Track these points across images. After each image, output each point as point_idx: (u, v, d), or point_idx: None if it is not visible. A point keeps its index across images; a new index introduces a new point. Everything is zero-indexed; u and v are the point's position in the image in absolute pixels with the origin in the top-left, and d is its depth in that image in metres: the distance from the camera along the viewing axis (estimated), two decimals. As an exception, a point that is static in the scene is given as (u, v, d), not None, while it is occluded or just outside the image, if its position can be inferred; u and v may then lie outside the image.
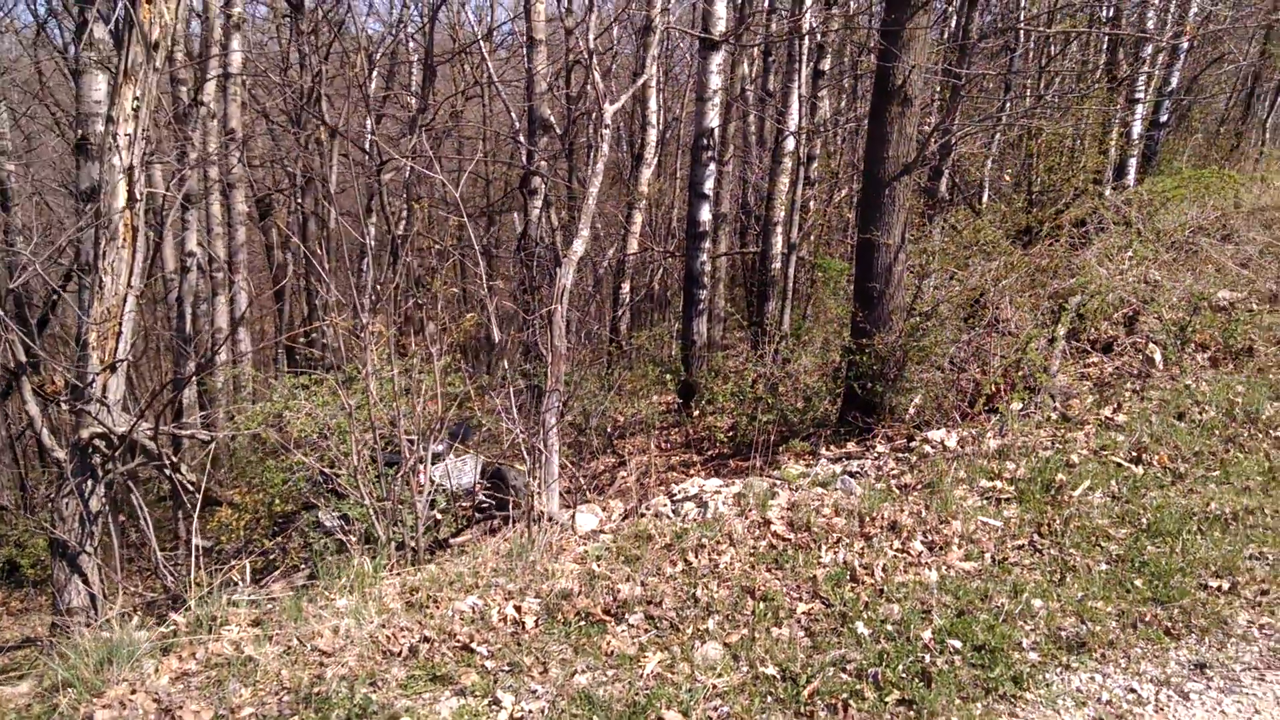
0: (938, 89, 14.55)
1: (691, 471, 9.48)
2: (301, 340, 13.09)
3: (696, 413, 12.05)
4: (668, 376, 12.90)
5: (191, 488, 7.71)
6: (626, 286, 16.15)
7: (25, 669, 8.28)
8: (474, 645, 4.01)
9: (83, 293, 9.16)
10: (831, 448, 7.37)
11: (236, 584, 5.54)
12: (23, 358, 7.03)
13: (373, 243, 17.18)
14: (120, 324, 7.04)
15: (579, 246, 6.44)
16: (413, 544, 5.70)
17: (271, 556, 7.44)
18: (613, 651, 3.93)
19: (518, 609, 4.27)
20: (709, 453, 10.49)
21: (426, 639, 4.05)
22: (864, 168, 8.95)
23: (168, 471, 7.35)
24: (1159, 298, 9.70)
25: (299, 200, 18.01)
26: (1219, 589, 4.15)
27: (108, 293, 6.99)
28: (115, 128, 7.11)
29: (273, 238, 19.98)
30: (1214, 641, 3.78)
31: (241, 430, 7.50)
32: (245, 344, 16.00)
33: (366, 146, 12.76)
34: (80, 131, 9.15)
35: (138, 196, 7.14)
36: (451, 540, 6.50)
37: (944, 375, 8.34)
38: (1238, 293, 10.24)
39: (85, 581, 6.98)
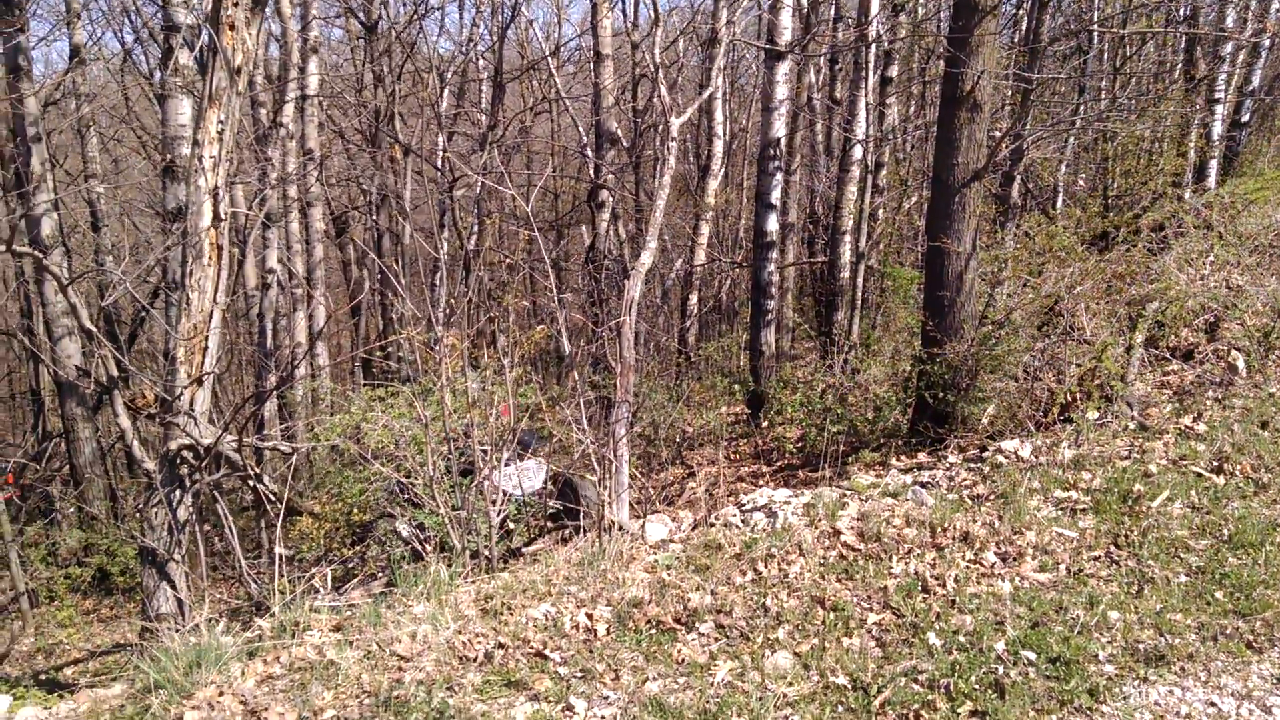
0: (1008, 94, 14.38)
1: (760, 482, 9.48)
2: (378, 354, 13.37)
3: (765, 424, 12.03)
4: (736, 387, 12.92)
5: (274, 498, 7.95)
6: (694, 298, 16.21)
7: (117, 672, 8.61)
8: (547, 652, 4.08)
9: (170, 309, 9.51)
10: (902, 458, 7.32)
11: (318, 591, 5.71)
12: (114, 372, 7.33)
13: (445, 257, 17.52)
14: (206, 339, 7.31)
15: (646, 259, 6.51)
16: (486, 552, 5.81)
17: (350, 565, 7.63)
18: (683, 659, 3.98)
19: (589, 616, 4.34)
20: (778, 464, 10.47)
21: (501, 645, 4.14)
22: (933, 174, 8.89)
23: (251, 482, 7.59)
24: (1241, 303, 9.44)
25: (374, 218, 18.44)
26: (1304, 602, 4.05)
27: (194, 309, 7.26)
28: (200, 150, 7.38)
29: (349, 254, 20.48)
30: (1299, 656, 3.70)
31: (321, 442, 7.71)
32: (323, 357, 16.42)
33: (439, 164, 13.02)
34: (167, 154, 9.52)
35: (222, 216, 7.41)
36: (524, 550, 6.61)
37: (1018, 384, 8.23)
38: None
39: (173, 588, 7.23)
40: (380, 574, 8.24)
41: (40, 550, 12.33)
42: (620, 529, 5.36)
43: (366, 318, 19.19)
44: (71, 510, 13.81)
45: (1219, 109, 15.66)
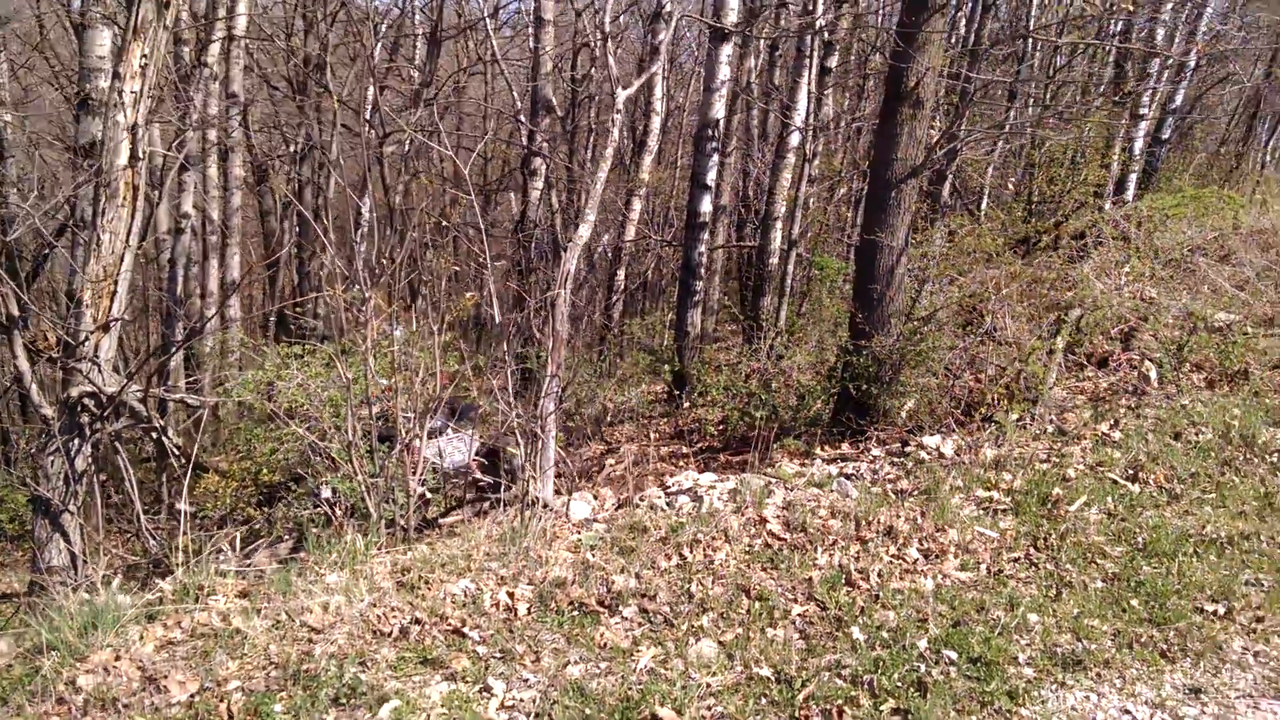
0: (944, 94, 14.49)
1: (681, 464, 9.44)
2: (295, 311, 12.96)
3: (687, 404, 12.02)
4: (662, 366, 12.88)
5: (178, 451, 7.64)
6: (622, 273, 16.10)
7: (3, 624, 8.19)
8: (466, 630, 3.96)
9: (77, 249, 9.04)
10: (826, 448, 7.35)
11: (223, 552, 5.48)
12: (15, 312, 6.92)
13: (369, 214, 17.07)
14: (116, 283, 6.95)
15: (584, 231, 6.37)
16: (403, 522, 5.65)
17: (257, 526, 7.38)
18: (606, 643, 3.90)
19: (510, 595, 4.23)
20: (698, 445, 10.45)
21: (418, 620, 4.01)
22: (871, 168, 8.92)
23: (155, 434, 7.27)
24: (1156, 315, 9.71)
25: (297, 169, 17.87)
26: (1214, 613, 4.14)
27: (105, 250, 6.90)
28: (121, 84, 6.99)
29: (269, 204, 19.82)
30: (1209, 666, 3.78)
31: (232, 397, 7.42)
32: (235, 309, 15.87)
33: (368, 117, 12.65)
34: (83, 86, 9.03)
35: (140, 155, 7.04)
36: (441, 520, 6.45)
37: (939, 381, 8.33)
38: (1234, 315, 10.26)
39: (67, 540, 6.89)
40: (286, 537, 7.99)
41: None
42: (545, 506, 5.25)
43: (284, 272, 18.63)
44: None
45: (1142, 124, 16.09)
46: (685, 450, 10.51)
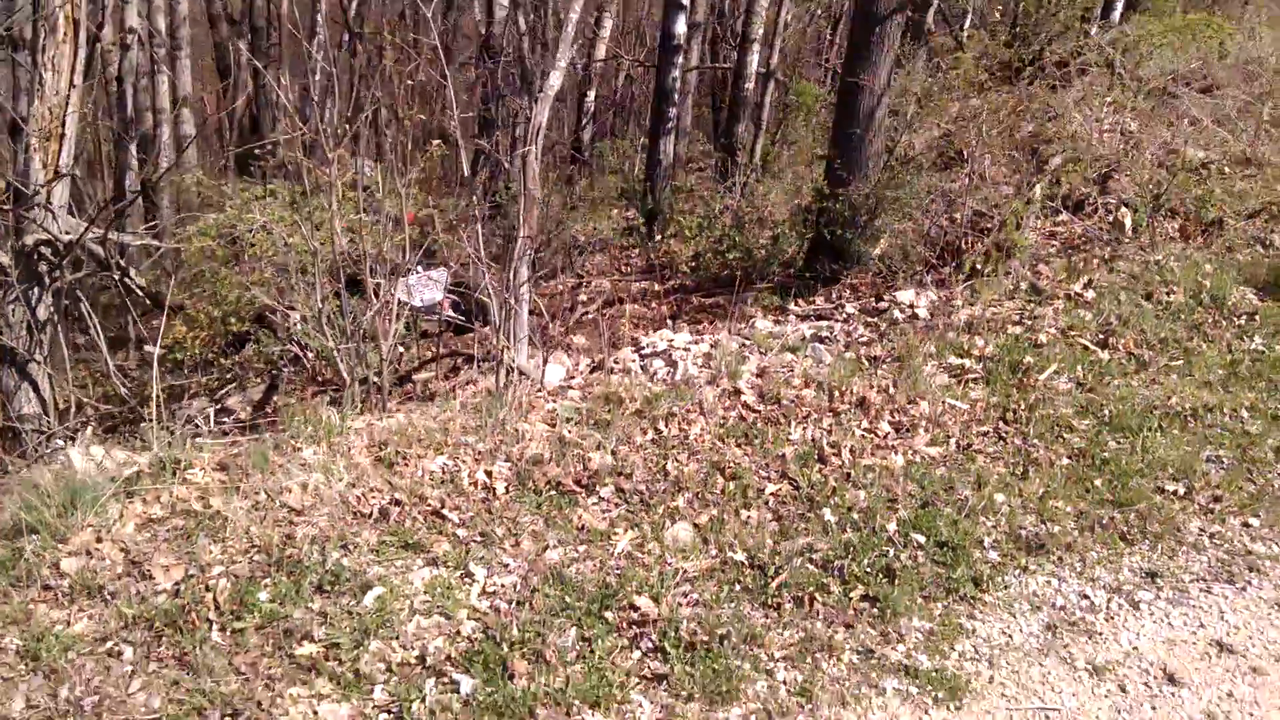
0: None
1: (654, 304, 9.43)
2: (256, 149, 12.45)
3: (659, 237, 11.89)
4: (634, 195, 12.67)
5: (144, 293, 7.50)
6: (591, 94, 15.58)
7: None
8: (445, 511, 4.02)
9: (16, 72, 8.54)
10: (800, 302, 7.34)
11: (195, 419, 5.46)
12: (-42, 157, 6.62)
13: (323, 20, 16.20)
14: (64, 124, 6.63)
15: (555, 80, 6.10)
16: (377, 381, 5.63)
17: (228, 374, 7.34)
18: (584, 526, 3.98)
19: (488, 474, 4.28)
20: (671, 282, 10.40)
21: (397, 501, 4.06)
22: (855, 3, 8.54)
23: (116, 277, 7.12)
24: (1136, 151, 9.58)
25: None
26: (1175, 493, 4.28)
27: (49, 91, 6.55)
28: (53, -92, 6.46)
29: (217, 8, 18.74)
30: (1166, 549, 3.93)
31: (193, 243, 7.24)
32: (189, 126, 15.25)
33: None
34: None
35: (78, -15, 6.58)
36: (414, 376, 6.45)
37: (915, 225, 8.27)
38: (1211, 152, 10.14)
39: (35, 389, 6.85)
40: (257, 380, 7.97)
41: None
42: (520, 373, 5.25)
43: (237, 81, 17.82)
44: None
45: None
46: (657, 287, 10.47)
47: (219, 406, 7.52)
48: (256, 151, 11.45)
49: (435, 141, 7.24)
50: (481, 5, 14.55)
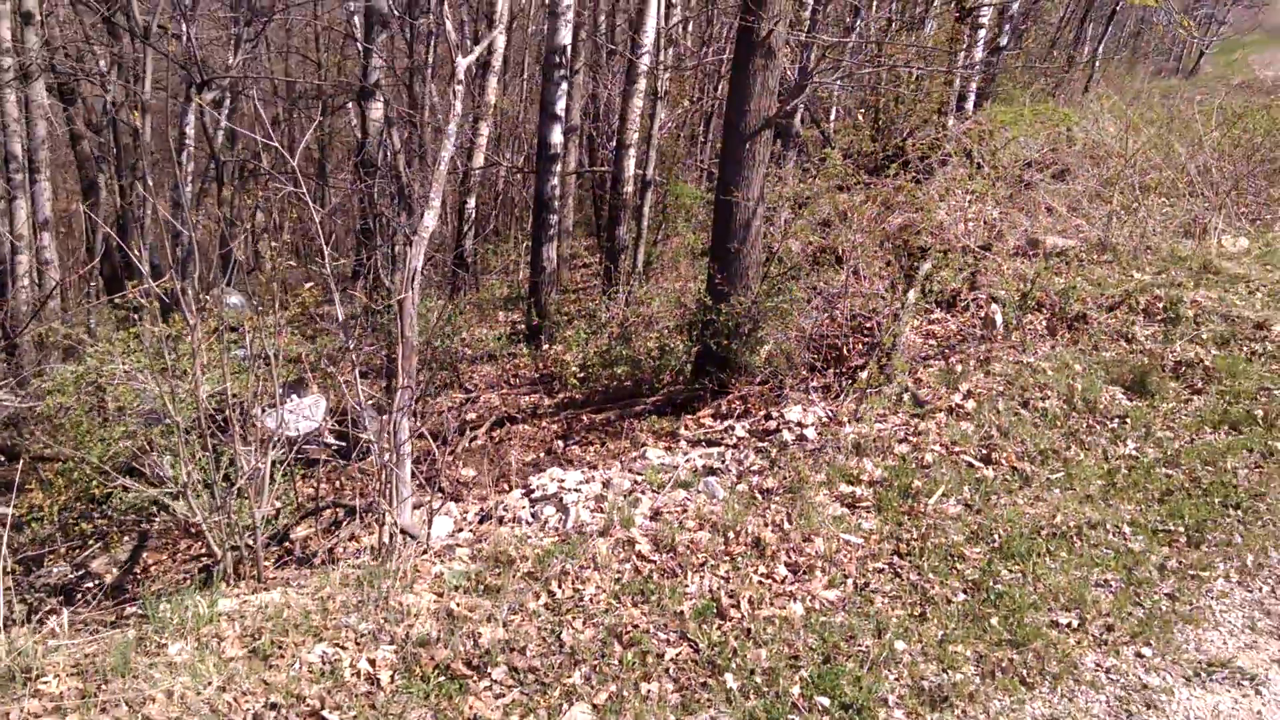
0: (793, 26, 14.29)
1: (543, 423, 9.29)
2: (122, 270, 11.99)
3: (546, 346, 11.80)
4: (517, 301, 12.57)
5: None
6: (472, 201, 15.55)
7: None
8: (325, 711, 3.76)
9: None
10: (689, 423, 7.30)
11: (51, 615, 5.05)
12: None
13: (191, 130, 15.84)
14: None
15: (430, 220, 5.98)
16: (251, 544, 5.33)
17: (93, 538, 6.89)
18: (475, 716, 3.77)
19: (371, 663, 4.03)
20: (560, 395, 10.30)
21: (273, 705, 3.78)
22: (725, 120, 8.71)
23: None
24: (998, 245, 9.96)
25: (106, 89, 16.36)
26: (1069, 625, 4.30)
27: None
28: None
29: (79, 125, 18.19)
30: (1065, 690, 3.92)
31: (50, 399, 6.83)
32: (50, 250, 14.62)
33: (182, 48, 11.58)
34: None
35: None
36: (292, 534, 6.13)
37: (797, 330, 8.36)
38: (1069, 240, 10.62)
39: None
40: (125, 536, 7.52)
41: None
42: (404, 534, 5.02)
43: (105, 200, 17.23)
44: None
45: (981, 33, 16.27)
46: (547, 401, 10.35)
47: (81, 571, 7.05)
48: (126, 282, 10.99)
49: (308, 285, 7.03)
50: (356, 116, 14.46)
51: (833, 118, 17.58)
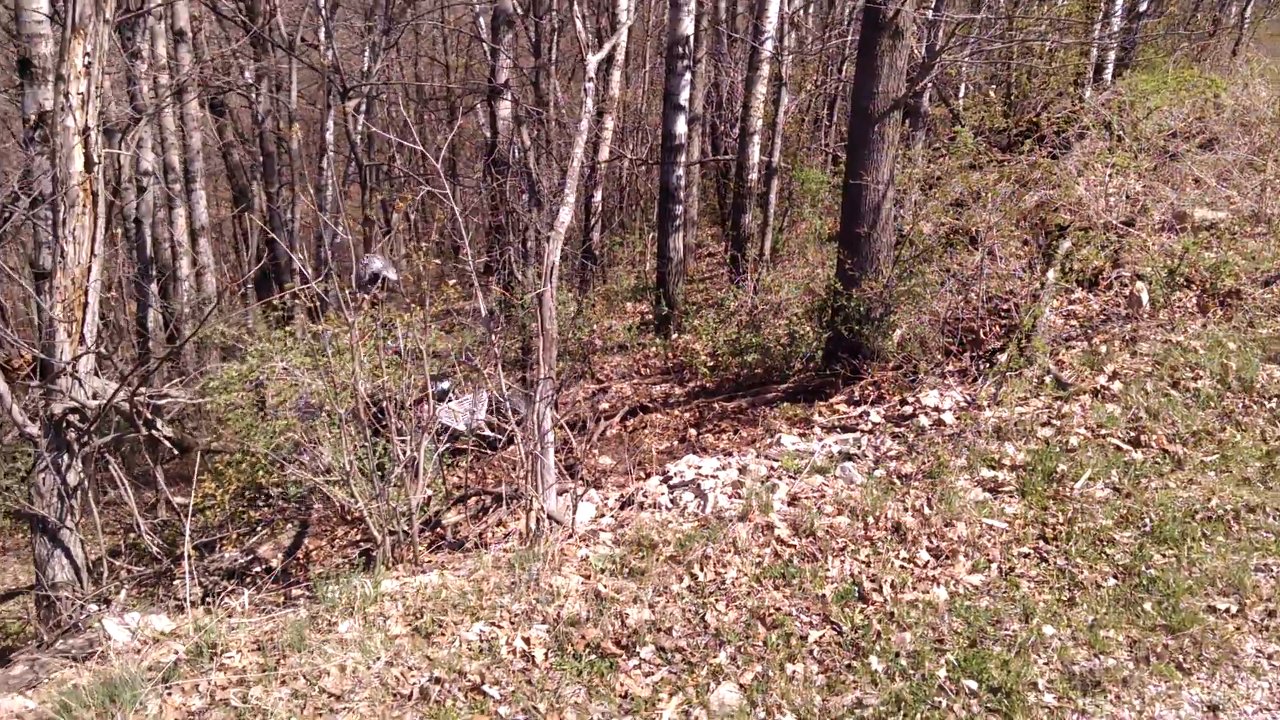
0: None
1: (675, 411, 9.42)
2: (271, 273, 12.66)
3: (675, 335, 11.93)
4: (645, 292, 12.72)
5: (169, 443, 7.52)
6: (598, 195, 15.78)
7: (13, 628, 8.22)
8: (485, 686, 3.96)
9: (42, 251, 8.74)
10: (823, 409, 7.31)
11: (232, 594, 5.45)
12: (-15, 335, 6.74)
13: (331, 137, 16.57)
14: (86, 294, 6.76)
15: (565, 215, 6.17)
16: (407, 530, 5.61)
17: (260, 526, 7.36)
18: (627, 693, 3.91)
19: (526, 641, 4.23)
20: (690, 384, 10.42)
21: (437, 679, 4.00)
22: (852, 103, 8.66)
23: (144, 432, 7.17)
24: (1141, 220, 9.60)
25: (254, 98, 17.23)
26: (1227, 611, 4.18)
27: (70, 262, 6.70)
28: (66, 86, 6.67)
29: (229, 135, 19.22)
30: (1225, 677, 3.83)
31: (216, 398, 7.30)
32: (207, 255, 15.54)
33: (323, 57, 12.14)
34: (23, 51, 8.62)
35: (96, 159, 6.77)
36: (443, 520, 6.43)
37: (931, 313, 8.26)
38: (1219, 212, 10.14)
39: (68, 556, 6.87)
40: (288, 524, 7.98)
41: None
42: (550, 519, 5.22)
43: (255, 210, 18.19)
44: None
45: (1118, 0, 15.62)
46: (677, 390, 10.47)
47: (251, 556, 7.52)
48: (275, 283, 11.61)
49: (451, 282, 7.34)
50: (486, 115, 14.87)
51: (962, 95, 17.15)
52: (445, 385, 8.47)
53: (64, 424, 6.77)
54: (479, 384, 8.86)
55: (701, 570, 4.67)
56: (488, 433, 8.34)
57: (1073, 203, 10.05)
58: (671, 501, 5.58)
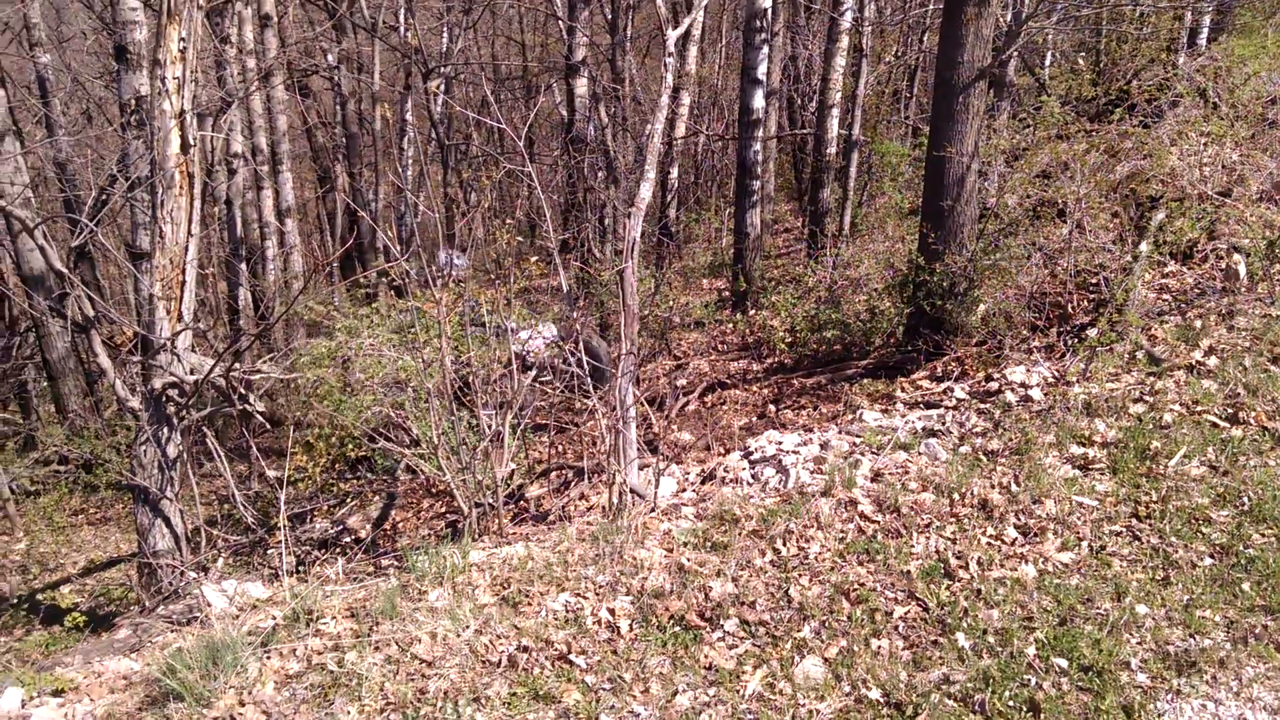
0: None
1: (753, 388, 9.41)
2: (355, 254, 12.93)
3: (752, 311, 11.89)
4: (722, 268, 12.68)
5: (261, 417, 7.75)
6: (674, 171, 15.76)
7: (118, 594, 8.58)
8: (572, 655, 4.03)
9: (139, 230, 9.04)
10: (905, 386, 7.23)
11: (321, 560, 5.62)
12: (90, 312, 7.01)
13: (411, 117, 16.80)
14: (184, 272, 6.99)
15: (646, 192, 6.18)
16: (492, 503, 5.73)
17: (349, 498, 7.56)
18: (711, 664, 3.95)
19: (611, 612, 4.29)
20: (769, 360, 10.38)
21: (524, 648, 4.09)
22: (936, 73, 8.49)
23: (238, 407, 7.41)
24: (1239, 190, 9.24)
25: (336, 81, 17.55)
26: (1331, 594, 4.06)
27: (168, 241, 6.92)
28: (162, 71, 6.87)
29: (312, 118, 19.63)
30: (1328, 661, 3.72)
31: (306, 374, 7.50)
32: (293, 235, 15.93)
33: (402, 38, 12.29)
34: (119, 38, 8.93)
35: (192, 141, 6.97)
36: (526, 493, 6.53)
37: (1016, 288, 8.10)
38: (1323, 180, 9.71)
39: (169, 525, 7.15)
40: (376, 496, 8.19)
41: (14, 446, 12.18)
42: (633, 493, 5.27)
43: (339, 190, 18.57)
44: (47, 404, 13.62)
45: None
46: (755, 367, 10.45)
47: (340, 527, 7.75)
48: (357, 262, 11.85)
49: (533, 259, 7.42)
50: (562, 93, 14.93)
51: (1049, 63, 16.68)
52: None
53: (164, 398, 7.03)
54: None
55: (784, 545, 4.67)
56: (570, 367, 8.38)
57: (1165, 173, 9.72)
58: (753, 477, 5.58)
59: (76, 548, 10.52)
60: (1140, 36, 14.56)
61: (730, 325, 11.88)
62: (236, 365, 7.44)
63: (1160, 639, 3.87)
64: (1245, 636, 3.85)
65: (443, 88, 15.51)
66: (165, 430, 7.04)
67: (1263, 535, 4.45)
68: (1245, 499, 4.72)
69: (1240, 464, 5.03)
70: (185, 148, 6.84)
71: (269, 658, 4.32)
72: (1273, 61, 11.70)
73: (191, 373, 6.99)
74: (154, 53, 6.83)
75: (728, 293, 12.95)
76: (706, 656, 3.99)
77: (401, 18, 11.92)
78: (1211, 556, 4.37)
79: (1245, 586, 4.12)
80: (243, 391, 7.45)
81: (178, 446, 7.13)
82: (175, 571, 6.90)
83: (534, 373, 7.65)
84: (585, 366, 5.72)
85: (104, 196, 10.11)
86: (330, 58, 17.32)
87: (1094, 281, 8.16)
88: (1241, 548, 4.37)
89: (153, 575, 7.08)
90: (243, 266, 13.70)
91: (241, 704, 4.01)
